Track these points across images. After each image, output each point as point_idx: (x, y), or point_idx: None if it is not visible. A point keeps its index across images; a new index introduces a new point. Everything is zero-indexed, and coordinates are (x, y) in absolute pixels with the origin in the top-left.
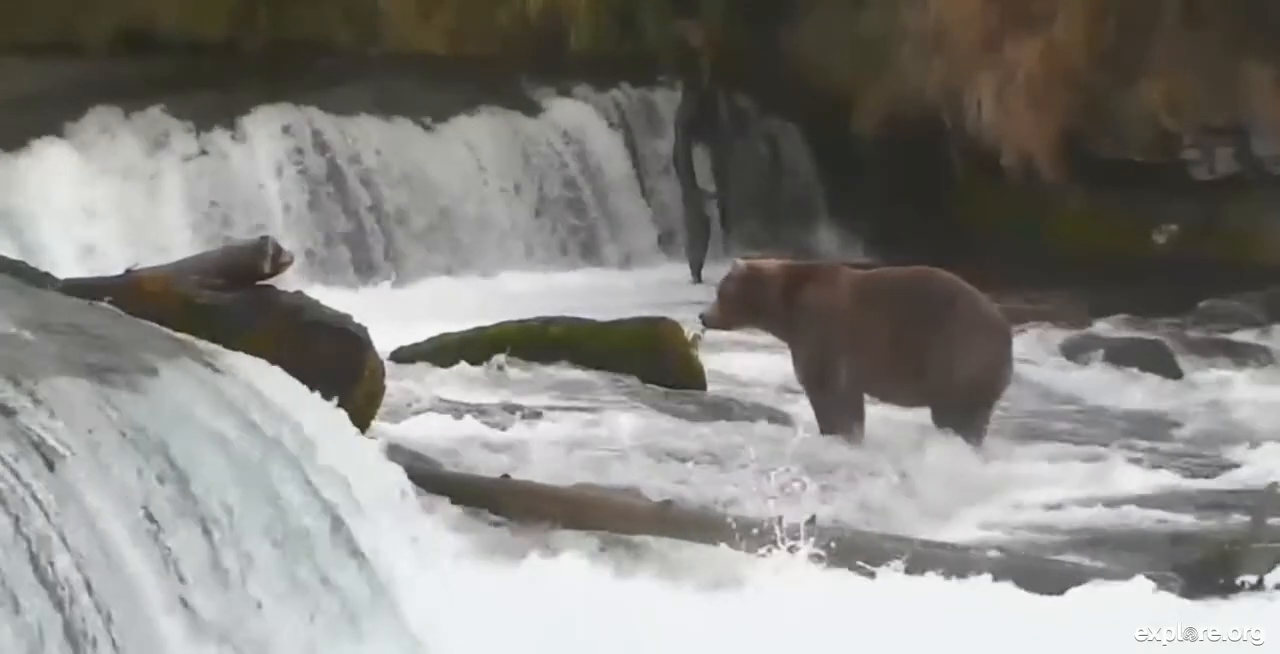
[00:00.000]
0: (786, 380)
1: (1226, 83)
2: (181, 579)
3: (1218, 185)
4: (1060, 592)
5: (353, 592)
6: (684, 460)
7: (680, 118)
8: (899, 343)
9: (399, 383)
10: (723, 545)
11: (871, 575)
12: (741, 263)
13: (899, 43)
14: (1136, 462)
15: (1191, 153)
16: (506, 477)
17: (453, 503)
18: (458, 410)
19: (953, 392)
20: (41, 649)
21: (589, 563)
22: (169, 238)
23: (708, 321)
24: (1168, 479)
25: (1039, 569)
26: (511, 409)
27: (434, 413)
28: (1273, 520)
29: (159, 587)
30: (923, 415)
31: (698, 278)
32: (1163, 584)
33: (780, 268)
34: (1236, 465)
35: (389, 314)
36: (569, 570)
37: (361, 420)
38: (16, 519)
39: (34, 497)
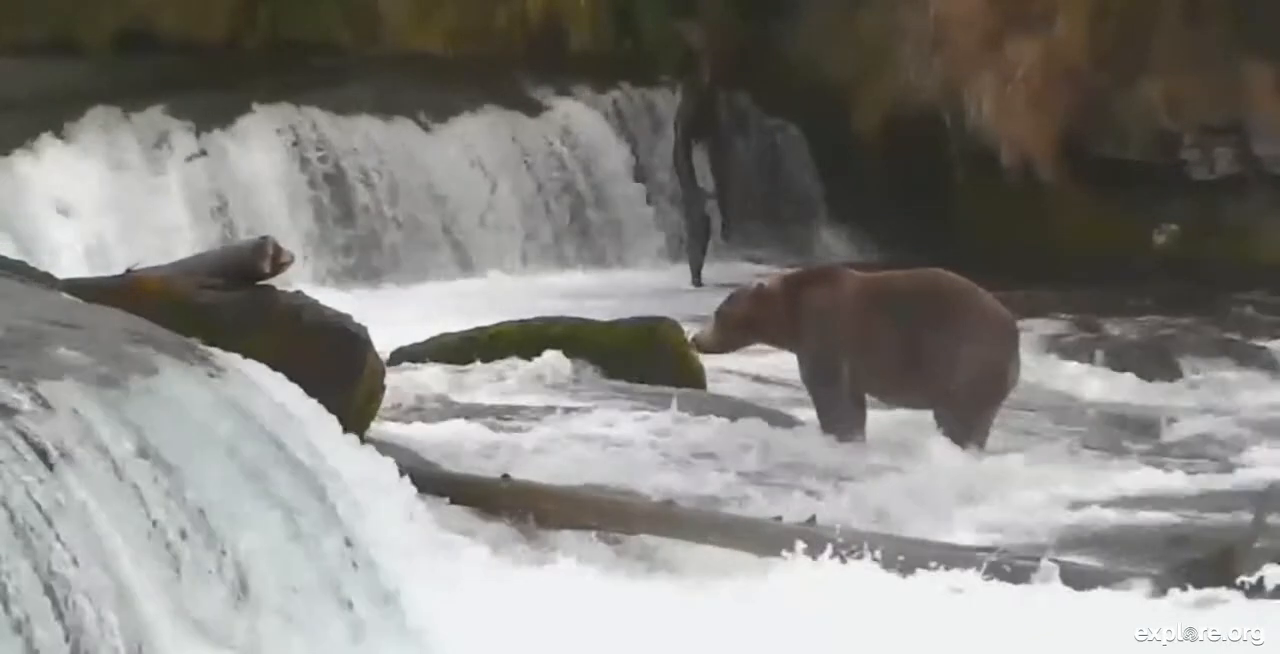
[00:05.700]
0: (788, 380)
1: (1226, 83)
2: (180, 581)
3: (1218, 185)
4: (1059, 592)
5: (353, 593)
6: (685, 460)
7: (680, 118)
8: (904, 344)
9: (399, 383)
10: (723, 545)
11: (873, 575)
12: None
13: (899, 43)
14: (1136, 462)
15: (1191, 153)
16: (506, 477)
17: (452, 503)
18: (458, 410)
19: (957, 393)
20: (40, 650)
21: (589, 563)
22: (169, 238)
23: (701, 346)
24: (1167, 479)
25: (1039, 569)
26: (512, 409)
27: (434, 413)
28: (1273, 520)
29: (158, 588)
30: (924, 415)
31: (697, 278)
32: (1162, 584)
33: (781, 279)
34: (1236, 465)
35: (389, 314)
36: (569, 571)
37: (361, 420)
38: (16, 520)
39: (33, 497)
